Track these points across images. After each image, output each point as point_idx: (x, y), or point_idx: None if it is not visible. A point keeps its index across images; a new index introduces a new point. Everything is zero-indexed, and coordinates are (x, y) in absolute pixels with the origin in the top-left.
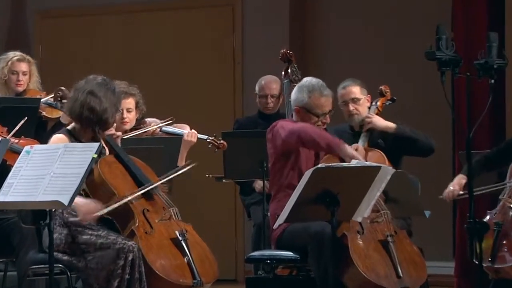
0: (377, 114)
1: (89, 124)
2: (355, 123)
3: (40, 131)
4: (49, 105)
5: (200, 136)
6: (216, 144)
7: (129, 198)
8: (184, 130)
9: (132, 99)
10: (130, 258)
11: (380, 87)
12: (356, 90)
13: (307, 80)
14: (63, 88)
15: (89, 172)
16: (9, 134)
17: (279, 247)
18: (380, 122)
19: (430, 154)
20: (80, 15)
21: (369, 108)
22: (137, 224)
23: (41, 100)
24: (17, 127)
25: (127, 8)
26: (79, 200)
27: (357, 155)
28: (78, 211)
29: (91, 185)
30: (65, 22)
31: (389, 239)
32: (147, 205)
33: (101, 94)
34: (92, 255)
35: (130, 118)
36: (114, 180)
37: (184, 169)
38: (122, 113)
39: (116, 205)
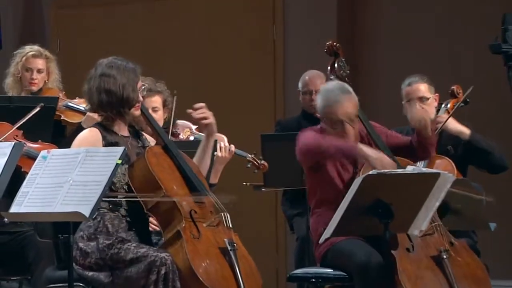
0: None
1: (112, 107)
2: None
3: (58, 136)
4: (70, 108)
5: (238, 152)
6: (257, 164)
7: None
8: (220, 142)
9: (158, 96)
10: (163, 272)
11: (452, 87)
12: (423, 88)
13: (331, 84)
14: None
15: (131, 163)
16: (24, 138)
17: (325, 265)
18: (453, 125)
19: (499, 173)
20: (101, 4)
21: (437, 110)
22: (184, 225)
23: (64, 102)
24: (27, 117)
25: None
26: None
27: (381, 154)
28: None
29: (134, 178)
30: (85, 12)
31: (444, 254)
32: (194, 206)
33: (113, 73)
34: (121, 271)
35: (157, 118)
36: (161, 173)
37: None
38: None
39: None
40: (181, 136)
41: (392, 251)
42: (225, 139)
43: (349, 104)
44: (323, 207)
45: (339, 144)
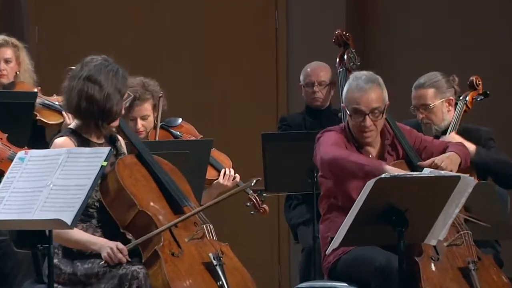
0: (465, 111)
1: (90, 117)
2: (429, 133)
3: (37, 140)
4: (47, 106)
5: (241, 185)
6: (257, 206)
7: (165, 228)
8: (224, 164)
9: (148, 104)
10: (134, 286)
11: (471, 77)
12: (427, 94)
13: (356, 74)
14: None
15: (103, 176)
16: (9, 142)
17: (333, 278)
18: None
19: (510, 188)
20: None
21: (456, 103)
22: (161, 244)
23: (40, 100)
24: None
25: None
26: None
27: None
28: None
29: (106, 193)
30: None
31: (471, 266)
32: (174, 219)
33: (101, 78)
34: (94, 287)
35: (146, 125)
36: (135, 187)
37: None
38: (136, 122)
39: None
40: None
41: (416, 258)
42: (228, 161)
43: (372, 94)
44: (334, 212)
45: (363, 162)
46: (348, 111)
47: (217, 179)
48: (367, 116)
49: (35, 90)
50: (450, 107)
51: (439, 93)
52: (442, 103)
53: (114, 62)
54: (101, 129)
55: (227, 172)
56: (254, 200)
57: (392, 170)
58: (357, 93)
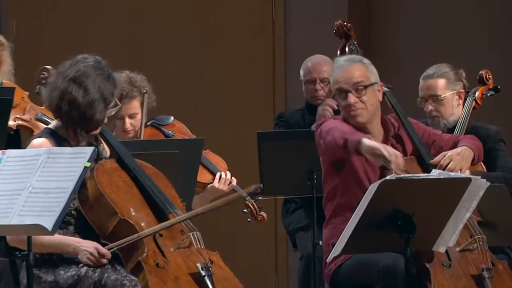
0: (475, 107)
1: (69, 121)
2: (437, 127)
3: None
4: (44, 122)
5: (237, 190)
6: (254, 213)
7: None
8: (219, 167)
9: (135, 101)
10: None
11: (480, 72)
12: (438, 85)
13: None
14: (49, 67)
15: (82, 183)
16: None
17: (335, 285)
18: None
19: None
20: None
21: (465, 100)
22: (145, 254)
23: (39, 114)
24: None
25: None
26: None
27: (387, 148)
28: None
29: (84, 201)
30: None
31: (485, 273)
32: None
33: (87, 82)
34: None
35: (135, 124)
36: (115, 194)
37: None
38: (124, 121)
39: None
40: None
41: (426, 264)
42: (223, 164)
43: (352, 70)
44: (340, 216)
45: (346, 130)
46: (335, 97)
47: (212, 183)
48: (350, 94)
49: (24, 96)
50: (460, 100)
51: (450, 84)
52: (452, 95)
53: (107, 66)
54: (79, 136)
55: (223, 175)
56: (252, 207)
57: (369, 144)
58: (338, 72)
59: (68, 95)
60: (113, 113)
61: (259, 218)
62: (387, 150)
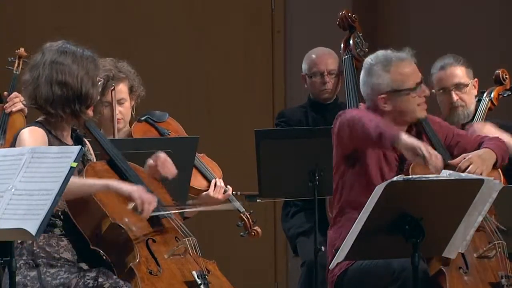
0: (490, 108)
1: (67, 104)
2: (458, 119)
3: None
4: None
5: (232, 200)
6: (248, 228)
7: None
8: (215, 174)
9: (123, 85)
10: None
11: (497, 71)
12: (460, 72)
13: (372, 57)
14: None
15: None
16: None
17: None
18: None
19: None
20: None
21: (479, 99)
22: (137, 260)
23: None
24: None
25: None
26: None
27: (427, 148)
28: None
29: (72, 204)
30: None
31: (504, 281)
32: (152, 233)
33: (68, 61)
34: None
35: (124, 112)
36: (105, 197)
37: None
38: (112, 108)
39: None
40: None
41: (442, 267)
42: (219, 171)
43: (414, 65)
44: (348, 214)
45: (380, 124)
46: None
47: (206, 190)
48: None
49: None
50: (475, 90)
51: (469, 73)
52: (471, 84)
53: (77, 44)
54: (81, 115)
55: (218, 183)
56: (246, 220)
57: (409, 141)
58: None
59: (55, 79)
60: (100, 89)
61: (253, 233)
62: (428, 150)
